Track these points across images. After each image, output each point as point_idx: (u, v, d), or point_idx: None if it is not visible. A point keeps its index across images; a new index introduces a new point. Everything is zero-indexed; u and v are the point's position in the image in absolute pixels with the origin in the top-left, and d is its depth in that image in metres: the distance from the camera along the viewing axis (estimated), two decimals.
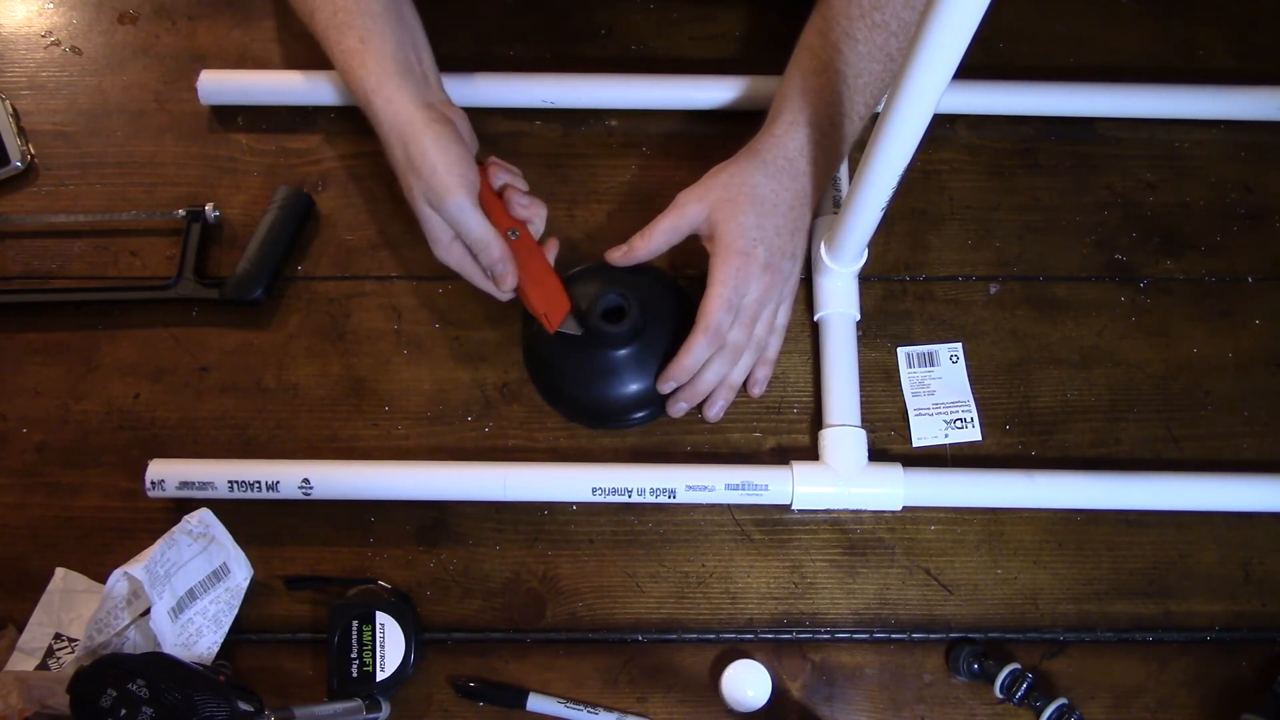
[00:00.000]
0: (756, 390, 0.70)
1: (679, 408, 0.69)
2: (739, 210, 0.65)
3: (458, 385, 0.71)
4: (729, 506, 0.68)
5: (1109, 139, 0.79)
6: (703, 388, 0.68)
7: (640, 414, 0.69)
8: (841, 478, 0.66)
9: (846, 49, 0.66)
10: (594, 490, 0.66)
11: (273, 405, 0.71)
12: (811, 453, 0.70)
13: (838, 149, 0.68)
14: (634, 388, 0.68)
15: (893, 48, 0.66)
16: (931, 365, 0.72)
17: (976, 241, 0.76)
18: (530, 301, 0.66)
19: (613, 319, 0.66)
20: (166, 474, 0.66)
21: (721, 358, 0.67)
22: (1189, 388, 0.72)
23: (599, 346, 0.67)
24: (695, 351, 0.65)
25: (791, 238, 0.67)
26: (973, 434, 0.70)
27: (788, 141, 0.66)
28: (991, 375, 0.72)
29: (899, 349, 0.73)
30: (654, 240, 0.67)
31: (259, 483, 0.65)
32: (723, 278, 0.65)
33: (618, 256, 0.69)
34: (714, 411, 0.69)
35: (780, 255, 0.66)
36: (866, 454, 0.67)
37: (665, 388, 0.67)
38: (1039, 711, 0.60)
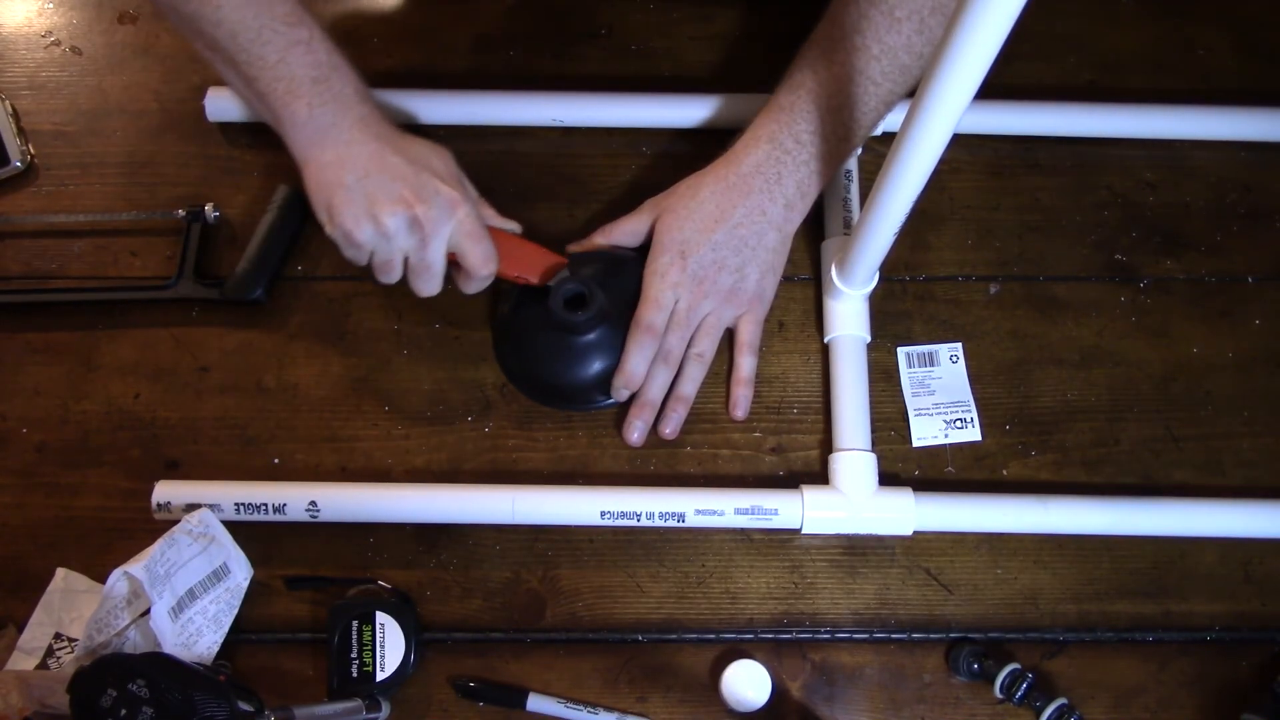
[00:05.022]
0: (739, 412, 0.70)
1: (636, 429, 0.69)
2: (676, 222, 0.68)
3: (458, 385, 0.71)
4: None
5: (1109, 139, 0.79)
6: (649, 399, 0.69)
7: (606, 398, 0.70)
8: (852, 503, 0.66)
9: (822, 69, 0.66)
10: (603, 514, 0.66)
11: (273, 405, 0.71)
12: (813, 454, 0.70)
13: (808, 167, 0.67)
14: (598, 369, 0.69)
15: (874, 71, 0.65)
16: (931, 365, 0.72)
17: (976, 241, 0.76)
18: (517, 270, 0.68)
19: (574, 307, 0.67)
20: (173, 495, 0.66)
21: (660, 363, 0.68)
22: (1189, 388, 0.72)
23: (564, 333, 0.68)
24: (634, 351, 0.67)
25: (736, 254, 0.68)
26: (973, 434, 0.70)
27: (744, 158, 0.67)
28: (991, 375, 0.72)
29: (899, 349, 0.73)
30: (611, 239, 0.71)
31: (265, 505, 0.65)
32: (649, 280, 0.68)
33: (576, 249, 0.72)
34: (669, 429, 0.69)
35: (715, 268, 0.68)
36: (877, 479, 0.67)
37: (619, 395, 0.69)
38: (1039, 711, 0.60)
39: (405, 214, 0.61)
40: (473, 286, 0.67)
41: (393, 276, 0.65)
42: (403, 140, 0.63)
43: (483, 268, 0.65)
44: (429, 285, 0.65)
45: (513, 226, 0.71)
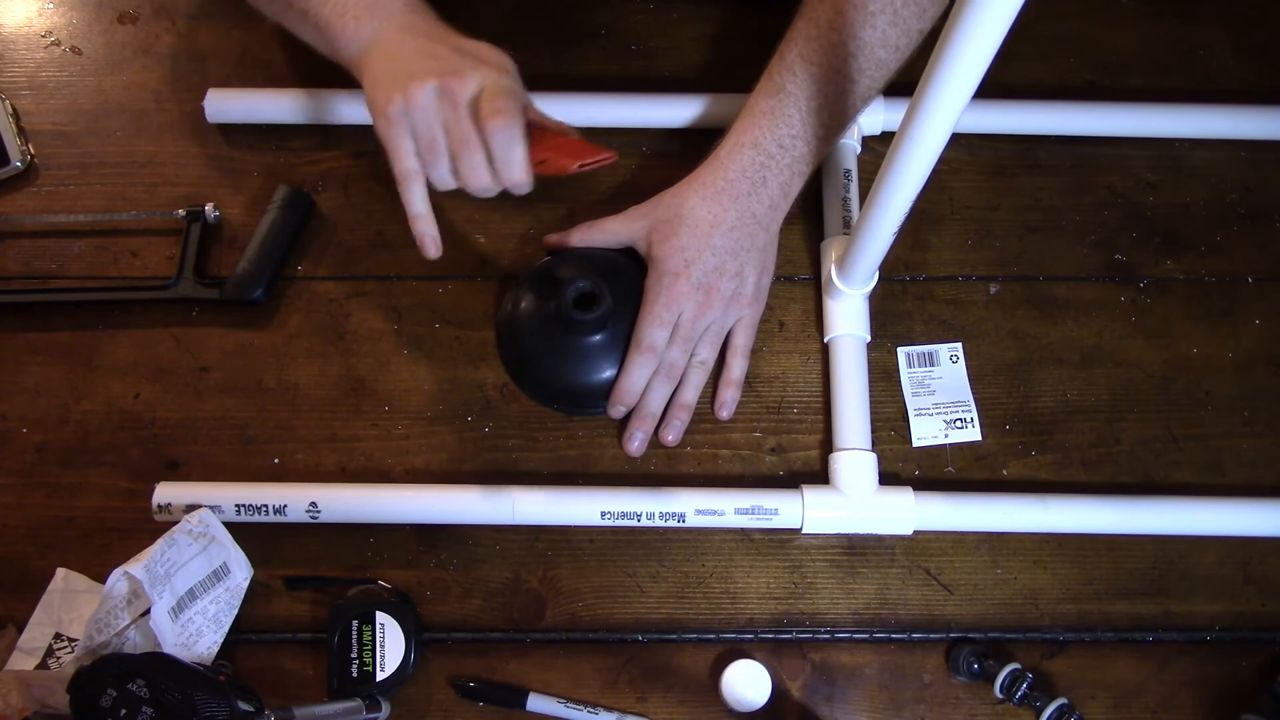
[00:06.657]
0: (724, 413, 0.70)
1: (636, 439, 0.68)
2: (672, 232, 0.67)
3: (458, 385, 0.71)
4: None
5: (1109, 139, 0.79)
6: (650, 410, 0.68)
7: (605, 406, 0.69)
8: (852, 503, 0.66)
9: (800, 71, 0.66)
10: (603, 514, 0.66)
11: (273, 405, 0.71)
12: (813, 454, 0.70)
13: (791, 169, 0.67)
14: (601, 375, 0.68)
15: (851, 69, 0.65)
16: (931, 365, 0.72)
17: (976, 241, 0.76)
18: (554, 160, 0.62)
19: (584, 305, 0.66)
20: (173, 497, 0.66)
21: (661, 377, 0.68)
22: (1189, 388, 0.72)
23: (571, 333, 0.68)
24: (633, 371, 0.66)
25: (734, 258, 0.67)
26: (973, 434, 0.70)
27: (729, 164, 0.67)
28: (991, 375, 0.72)
29: (899, 349, 0.73)
30: (591, 238, 0.71)
31: (266, 506, 0.65)
32: (654, 296, 0.67)
33: (554, 239, 0.72)
34: (671, 436, 0.69)
35: (717, 275, 0.67)
36: (877, 478, 0.67)
37: (615, 412, 0.68)
38: (1039, 711, 0.60)
39: (434, 83, 0.58)
40: (508, 170, 0.59)
41: (440, 164, 0.59)
42: (455, 38, 0.62)
43: (504, 129, 0.58)
44: (473, 162, 0.59)
45: (561, 126, 0.65)
